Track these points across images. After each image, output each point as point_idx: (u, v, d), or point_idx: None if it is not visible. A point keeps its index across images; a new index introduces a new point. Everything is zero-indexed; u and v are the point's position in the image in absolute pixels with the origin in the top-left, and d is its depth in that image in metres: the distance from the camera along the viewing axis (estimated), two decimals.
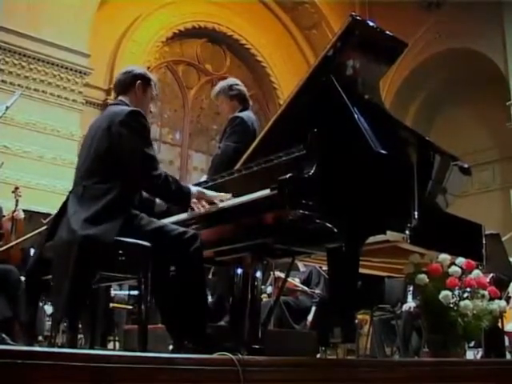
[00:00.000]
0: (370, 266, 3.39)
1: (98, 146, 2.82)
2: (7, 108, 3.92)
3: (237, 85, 4.17)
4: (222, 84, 4.22)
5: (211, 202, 2.87)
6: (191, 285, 2.64)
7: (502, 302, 3.48)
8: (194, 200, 2.86)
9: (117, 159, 2.77)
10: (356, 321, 5.03)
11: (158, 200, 3.17)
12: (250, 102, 4.23)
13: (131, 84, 3.03)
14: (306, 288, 5.67)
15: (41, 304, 4.53)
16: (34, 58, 7.97)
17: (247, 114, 4.06)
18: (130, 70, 3.11)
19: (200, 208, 2.86)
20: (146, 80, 3.06)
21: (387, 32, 3.18)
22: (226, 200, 2.85)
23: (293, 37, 11.71)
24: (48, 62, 8.09)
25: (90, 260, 2.57)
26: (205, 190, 2.94)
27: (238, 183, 2.99)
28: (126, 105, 2.96)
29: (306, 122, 2.81)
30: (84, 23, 8.42)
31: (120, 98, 3.04)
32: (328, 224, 2.51)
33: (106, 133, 2.81)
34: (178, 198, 2.88)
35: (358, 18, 3.03)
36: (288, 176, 2.45)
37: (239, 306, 3.01)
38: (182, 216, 3.02)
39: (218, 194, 2.91)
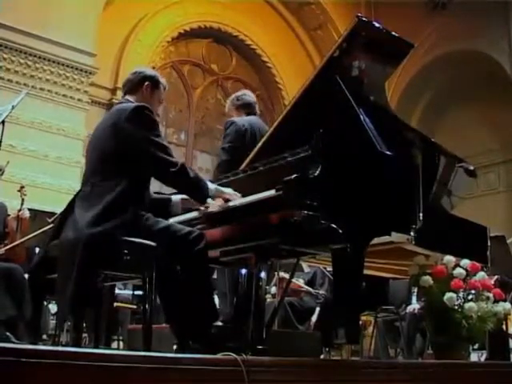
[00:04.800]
0: (374, 268, 3.38)
1: (104, 143, 2.81)
2: (13, 107, 3.92)
3: (244, 95, 4.50)
4: (231, 97, 4.58)
5: (227, 200, 2.84)
6: (196, 285, 2.64)
7: (507, 305, 3.47)
8: (210, 200, 2.83)
9: (124, 156, 2.75)
10: (360, 322, 5.03)
11: (174, 200, 3.15)
12: (257, 109, 4.48)
13: (139, 84, 3.02)
14: (310, 289, 5.67)
15: (45, 303, 4.54)
16: (39, 57, 7.98)
17: (242, 118, 4.29)
18: (141, 70, 3.11)
19: (214, 206, 2.85)
20: (155, 82, 3.05)
21: (393, 33, 3.17)
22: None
23: (298, 37, 11.70)
24: (54, 61, 8.10)
25: (95, 259, 2.57)
26: (222, 188, 2.89)
27: (243, 183, 2.99)
28: (131, 103, 2.96)
29: (312, 123, 2.81)
30: (90, 23, 8.43)
31: (126, 97, 3.04)
32: (333, 225, 2.51)
33: (112, 130, 2.80)
34: (196, 190, 2.81)
35: (363, 18, 3.02)
36: (293, 177, 2.45)
37: (244, 307, 3.01)
38: (188, 215, 3.02)
39: (233, 191, 2.88)
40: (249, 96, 4.51)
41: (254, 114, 4.41)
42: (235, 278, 3.47)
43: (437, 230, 3.04)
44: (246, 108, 4.40)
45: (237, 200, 2.82)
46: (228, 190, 2.88)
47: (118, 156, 2.76)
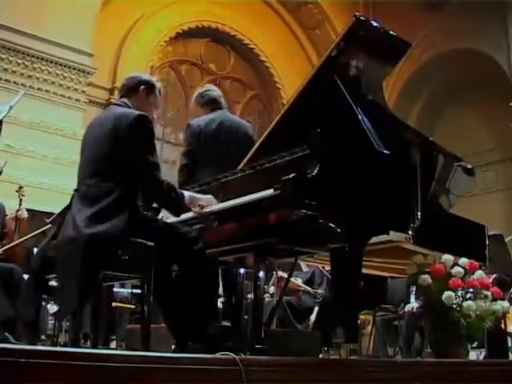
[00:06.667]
0: (372, 267, 3.39)
1: (103, 145, 2.81)
2: (11, 107, 3.91)
3: (207, 91, 4.32)
4: (194, 95, 4.41)
5: (202, 207, 2.89)
6: (194, 284, 2.65)
7: (505, 303, 3.47)
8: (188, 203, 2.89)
9: (121, 160, 2.77)
10: (359, 321, 5.03)
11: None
12: (223, 102, 4.31)
13: (135, 89, 3.06)
14: (308, 288, 5.67)
15: (43, 303, 4.54)
16: (37, 58, 7.98)
17: (199, 118, 4.12)
18: (135, 75, 3.16)
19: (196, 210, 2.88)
20: (149, 86, 3.09)
21: (391, 32, 3.18)
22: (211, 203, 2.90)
23: (296, 37, 11.70)
24: (51, 62, 8.10)
25: (95, 258, 2.57)
26: (195, 195, 2.96)
27: (241, 183, 2.99)
28: (129, 107, 2.97)
29: (310, 122, 2.81)
30: (87, 23, 8.43)
31: (123, 99, 3.05)
32: (331, 224, 2.51)
33: (112, 133, 2.80)
34: (175, 205, 2.88)
35: (361, 18, 3.02)
36: (291, 176, 2.45)
37: (241, 306, 3.02)
38: (186, 215, 3.02)
39: (208, 197, 2.94)
40: (213, 91, 4.34)
41: (220, 108, 4.24)
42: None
43: (435, 228, 3.05)
44: (211, 104, 4.24)
45: (236, 199, 2.82)
46: (201, 196, 2.93)
47: (115, 159, 2.77)
